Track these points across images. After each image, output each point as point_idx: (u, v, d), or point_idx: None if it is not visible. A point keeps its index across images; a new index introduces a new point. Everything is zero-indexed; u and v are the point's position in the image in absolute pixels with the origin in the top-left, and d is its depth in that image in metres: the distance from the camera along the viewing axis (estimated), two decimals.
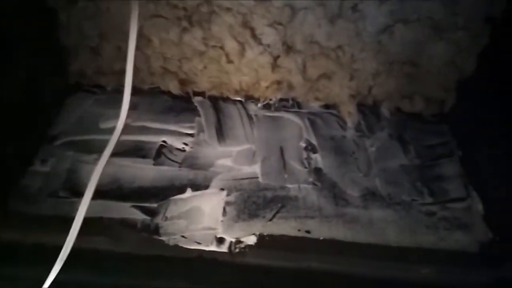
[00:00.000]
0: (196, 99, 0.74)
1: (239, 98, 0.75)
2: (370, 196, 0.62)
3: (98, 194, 0.53)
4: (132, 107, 0.68)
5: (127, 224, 0.55)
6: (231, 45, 0.68)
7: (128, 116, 0.58)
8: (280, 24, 0.65)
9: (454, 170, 0.67)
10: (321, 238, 0.56)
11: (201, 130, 0.69)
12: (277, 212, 0.58)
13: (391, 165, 0.67)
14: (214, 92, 0.75)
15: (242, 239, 0.55)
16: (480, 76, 0.68)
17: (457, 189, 0.65)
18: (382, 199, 0.62)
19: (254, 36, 0.67)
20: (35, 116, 0.65)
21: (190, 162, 0.65)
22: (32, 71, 0.64)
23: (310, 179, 0.63)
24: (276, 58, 0.70)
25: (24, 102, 0.62)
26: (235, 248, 0.54)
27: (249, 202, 0.60)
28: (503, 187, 0.61)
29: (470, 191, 0.64)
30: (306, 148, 0.68)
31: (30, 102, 0.63)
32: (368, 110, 0.75)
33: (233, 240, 0.55)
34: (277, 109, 0.75)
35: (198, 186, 0.61)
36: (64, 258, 0.47)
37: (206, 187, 0.61)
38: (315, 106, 0.75)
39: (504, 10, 0.61)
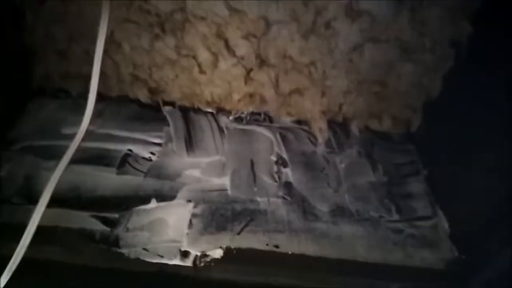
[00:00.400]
0: (166, 109, 0.73)
1: (210, 110, 0.74)
2: (339, 211, 0.62)
3: (55, 202, 0.49)
4: (98, 113, 0.65)
5: (85, 234, 0.52)
6: (204, 55, 0.67)
7: (92, 123, 0.56)
8: (254, 36, 0.65)
9: (420, 188, 0.68)
10: (290, 252, 0.55)
11: (169, 140, 0.68)
12: (246, 225, 0.57)
13: (360, 182, 0.67)
14: (185, 103, 0.74)
15: (208, 253, 0.52)
16: (446, 98, 0.70)
17: (423, 207, 0.65)
18: (351, 215, 0.62)
19: (227, 47, 0.66)
20: None
21: (156, 172, 0.62)
22: None
23: (280, 193, 0.62)
24: (249, 71, 0.69)
25: None
26: (200, 262, 0.52)
27: (217, 215, 0.58)
28: (468, 207, 0.62)
29: (436, 209, 0.65)
30: (276, 162, 0.68)
31: None
32: (338, 127, 0.75)
33: (199, 253, 0.52)
34: (248, 122, 0.74)
35: (163, 196, 0.59)
36: (13, 268, 0.43)
37: (172, 198, 0.59)
38: (286, 121, 0.75)
39: (468, 35, 0.64)
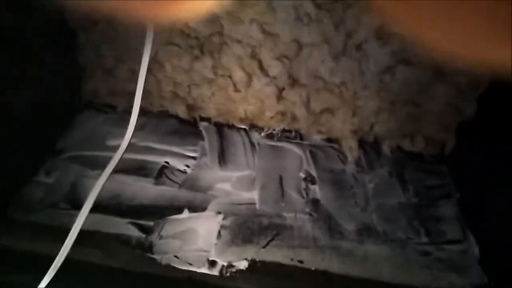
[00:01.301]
0: (202, 124, 0.77)
1: (243, 126, 0.78)
2: (366, 231, 0.62)
3: (97, 208, 0.54)
4: (140, 127, 0.70)
5: (122, 239, 0.56)
6: (239, 75, 0.71)
7: (134, 136, 0.60)
8: (286, 57, 0.68)
9: (451, 212, 0.67)
10: (313, 268, 0.56)
11: (203, 153, 0.71)
12: (272, 239, 0.59)
13: (388, 202, 0.67)
14: (220, 119, 0.78)
15: (234, 263, 0.55)
16: (481, 120, 0.69)
17: (454, 231, 0.64)
18: (378, 235, 0.62)
19: (261, 67, 0.69)
20: (45, 129, 0.67)
21: (190, 183, 0.66)
22: (47, 87, 0.67)
23: (307, 209, 0.64)
24: (281, 90, 0.72)
25: (36, 115, 0.65)
26: (226, 272, 0.54)
27: (244, 228, 0.60)
28: (500, 232, 0.60)
29: (467, 234, 0.64)
30: (305, 179, 0.69)
31: (42, 116, 0.66)
32: (369, 146, 0.76)
33: (225, 263, 0.55)
34: (279, 139, 0.76)
35: (195, 207, 0.62)
36: (57, 267, 0.48)
37: (203, 209, 0.62)
38: (317, 139, 0.77)
39: None
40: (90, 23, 0.69)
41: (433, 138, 0.75)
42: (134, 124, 0.60)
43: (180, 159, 0.70)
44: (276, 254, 0.57)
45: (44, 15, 0.63)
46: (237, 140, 0.75)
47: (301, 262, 0.56)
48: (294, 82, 0.71)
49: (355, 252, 0.59)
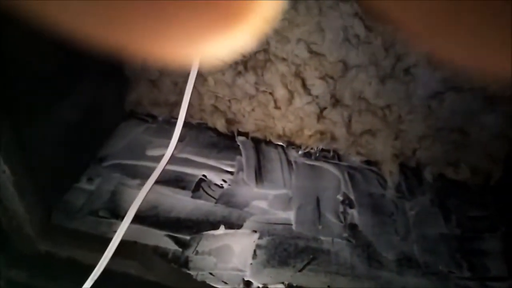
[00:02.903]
0: (240, 139, 0.76)
1: (281, 143, 0.77)
2: (406, 261, 0.60)
3: (136, 218, 0.54)
4: (179, 138, 0.71)
5: (159, 252, 0.56)
6: (280, 92, 0.70)
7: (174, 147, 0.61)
8: (331, 77, 0.67)
9: (496, 246, 0.64)
10: None
11: (240, 169, 0.71)
12: (308, 263, 0.57)
13: (430, 232, 0.65)
14: (258, 135, 0.77)
15: (269, 286, 0.54)
16: None
17: (498, 267, 0.61)
18: (418, 267, 0.59)
19: (304, 86, 0.69)
20: (88, 136, 0.69)
21: (226, 199, 0.66)
22: (94, 96, 0.68)
23: (345, 235, 0.62)
24: (322, 109, 0.71)
25: (81, 123, 0.66)
26: None
27: (280, 249, 0.59)
28: None
29: None
30: (343, 202, 0.68)
31: (86, 123, 0.67)
32: (410, 172, 0.73)
33: (260, 285, 0.54)
34: (317, 158, 0.75)
35: (231, 224, 0.61)
36: (96, 277, 0.48)
37: (239, 226, 0.61)
38: (356, 160, 0.75)
39: None
40: None
41: (479, 167, 0.72)
42: (177, 139, 0.60)
43: (217, 173, 0.70)
44: (313, 280, 0.55)
45: None
46: (274, 157, 0.74)
47: None
48: (336, 102, 0.70)
49: (395, 283, 0.57)
